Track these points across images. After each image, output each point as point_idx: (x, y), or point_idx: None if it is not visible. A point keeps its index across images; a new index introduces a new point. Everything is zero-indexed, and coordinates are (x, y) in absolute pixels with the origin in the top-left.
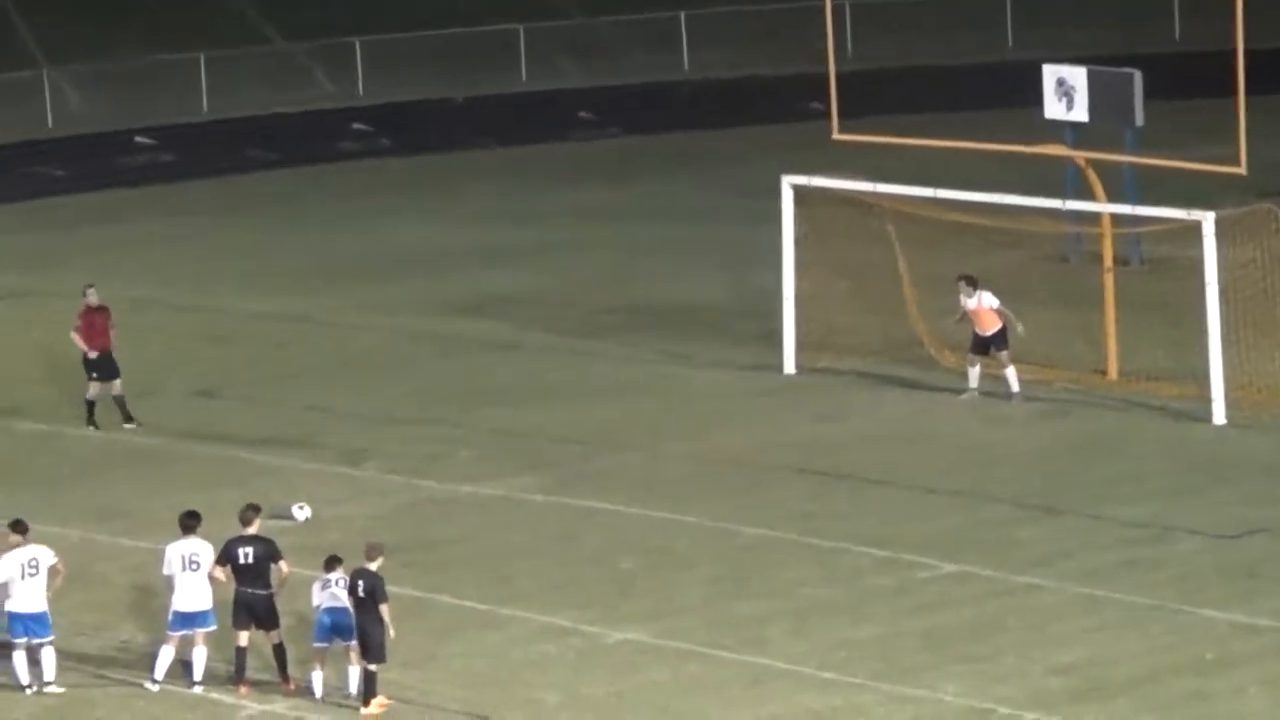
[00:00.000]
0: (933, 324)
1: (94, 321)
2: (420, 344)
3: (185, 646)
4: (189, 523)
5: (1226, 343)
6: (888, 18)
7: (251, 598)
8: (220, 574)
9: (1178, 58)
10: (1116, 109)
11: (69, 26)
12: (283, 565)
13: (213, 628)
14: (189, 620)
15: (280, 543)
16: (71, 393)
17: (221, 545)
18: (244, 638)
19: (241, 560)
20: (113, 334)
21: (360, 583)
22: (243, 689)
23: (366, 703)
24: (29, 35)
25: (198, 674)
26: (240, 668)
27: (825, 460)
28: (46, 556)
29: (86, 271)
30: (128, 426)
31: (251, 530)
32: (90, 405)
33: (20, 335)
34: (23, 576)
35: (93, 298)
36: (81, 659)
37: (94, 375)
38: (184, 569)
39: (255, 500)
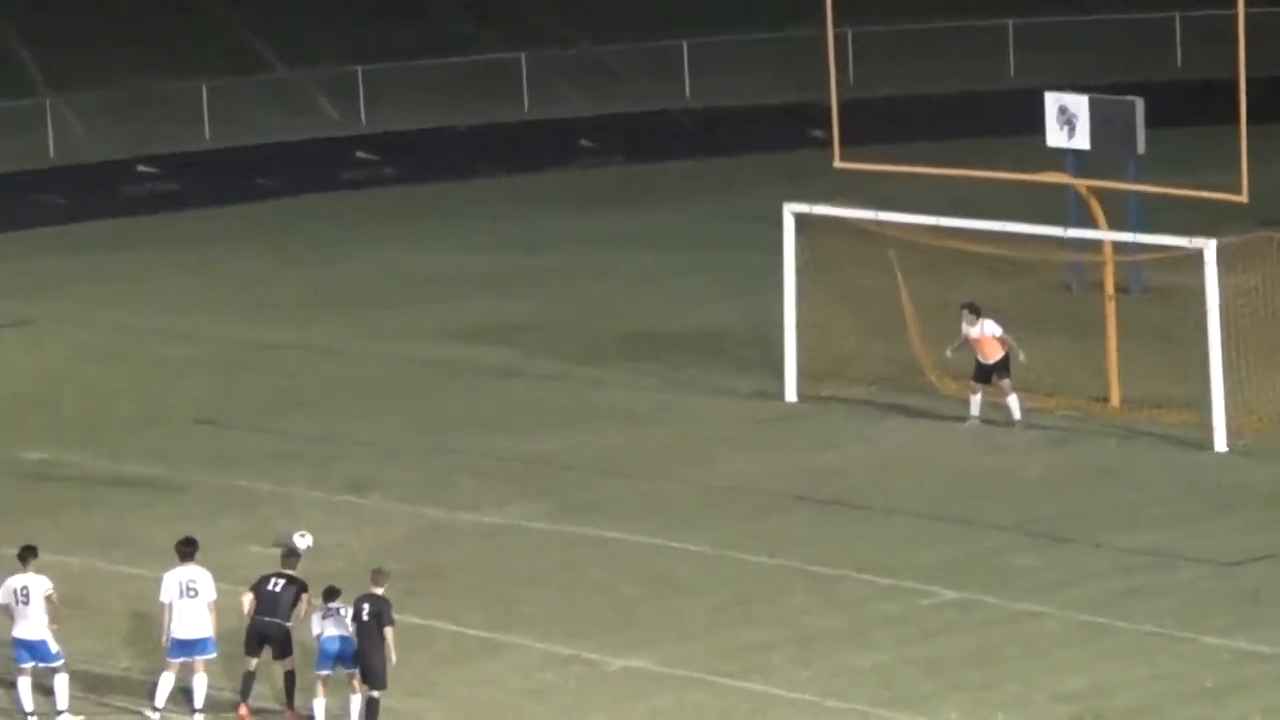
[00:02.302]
0: (935, 352)
1: None
2: (425, 371)
3: (186, 674)
4: (186, 550)
5: (1228, 370)
6: (889, 46)
7: (267, 626)
8: (248, 603)
9: (1179, 85)
10: (1118, 136)
11: (72, 55)
12: (303, 604)
13: (212, 655)
14: (188, 648)
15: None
16: (74, 420)
17: (256, 578)
18: (253, 664)
19: (270, 589)
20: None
21: (365, 606)
22: (243, 711)
23: None
24: (32, 63)
25: (198, 701)
26: (246, 690)
27: (828, 488)
28: (39, 585)
29: (90, 299)
30: None
31: (291, 571)
32: None
33: (24, 362)
34: (16, 603)
35: None
36: (84, 687)
37: None
38: (181, 596)
39: (254, 527)
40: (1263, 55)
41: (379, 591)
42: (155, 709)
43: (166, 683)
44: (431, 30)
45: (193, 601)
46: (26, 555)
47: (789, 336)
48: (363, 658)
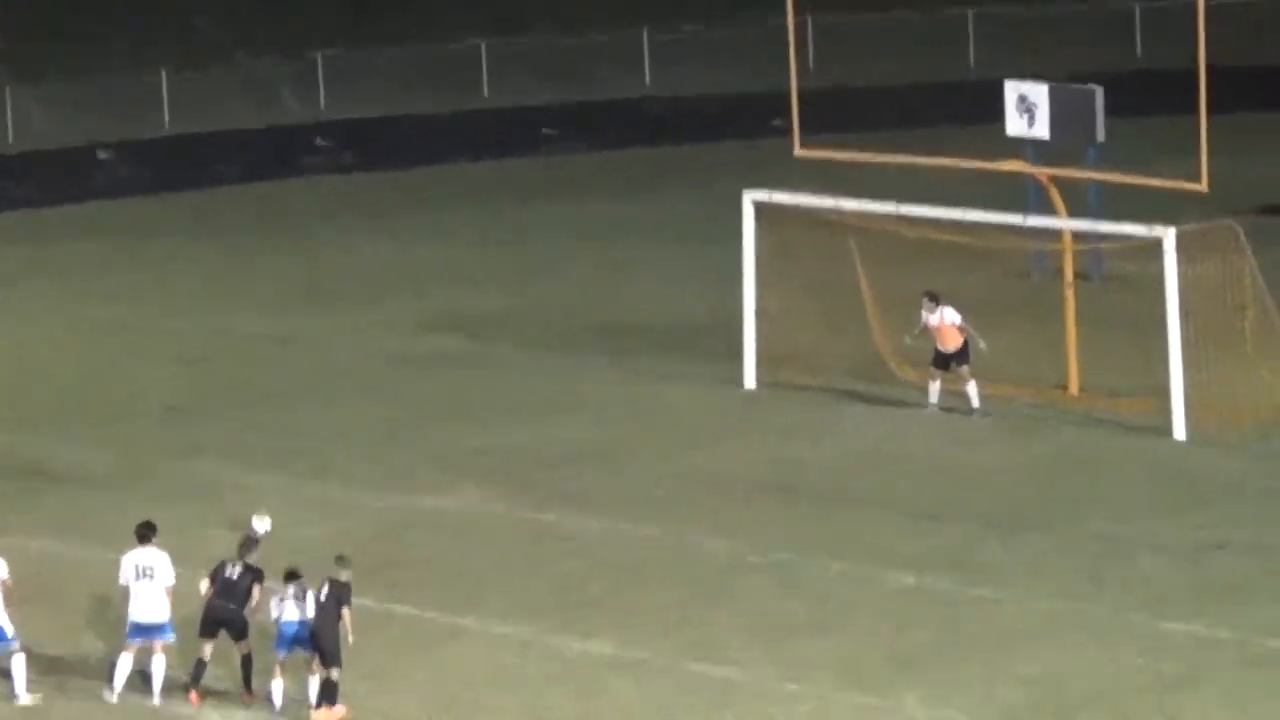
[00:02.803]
0: (895, 340)
1: None
2: (390, 361)
3: (144, 657)
4: (144, 533)
5: (1188, 359)
6: (850, 36)
7: (224, 611)
8: (205, 587)
9: (1140, 75)
10: (1078, 126)
11: (32, 44)
12: (257, 591)
13: (170, 638)
14: (145, 631)
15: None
16: (37, 407)
17: (212, 563)
18: (208, 650)
19: (227, 575)
20: None
21: (325, 588)
22: (193, 696)
23: (318, 707)
24: None
25: (156, 684)
26: (197, 676)
27: (789, 476)
28: None
29: (56, 288)
30: None
31: (250, 558)
32: None
33: None
34: None
35: None
36: (42, 669)
37: None
38: (138, 578)
39: (215, 513)
40: (1223, 45)
41: (341, 577)
42: (113, 691)
43: (124, 665)
44: (391, 17)
45: (150, 584)
46: None
47: (749, 325)
48: (319, 639)
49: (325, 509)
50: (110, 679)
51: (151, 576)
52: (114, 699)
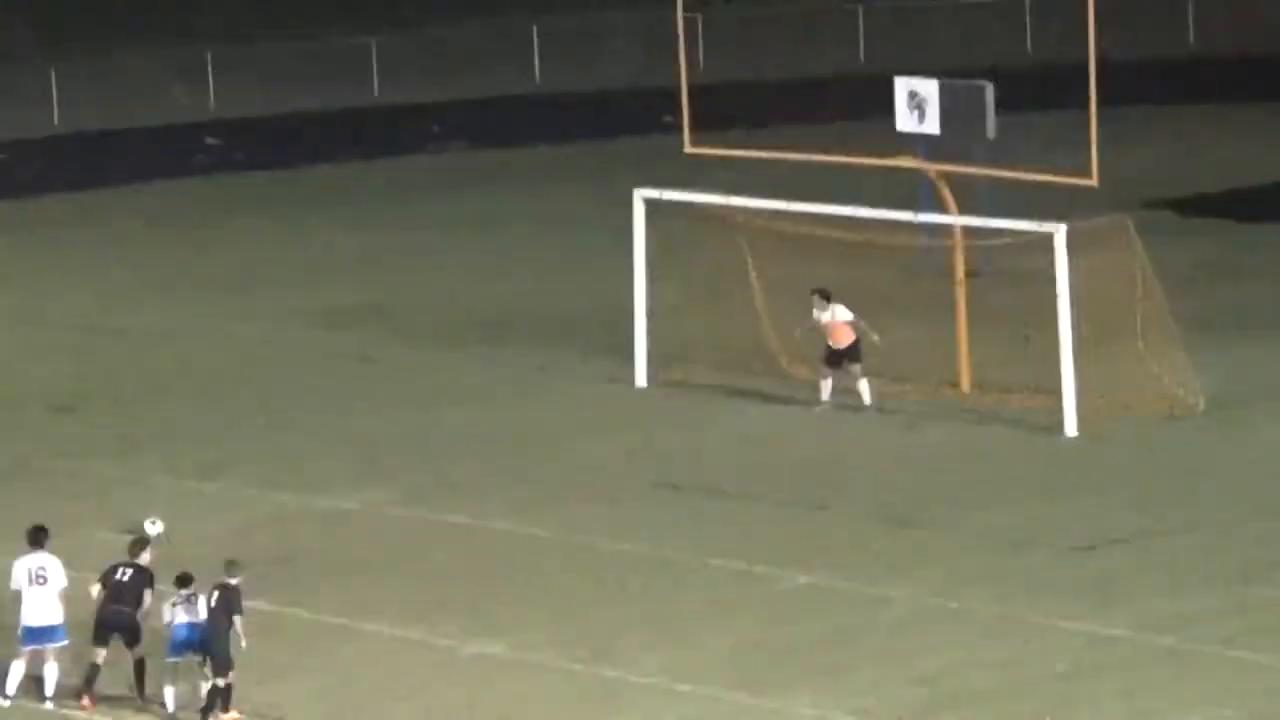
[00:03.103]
0: (786, 337)
1: None
2: (278, 355)
3: (37, 662)
4: (37, 536)
5: (1078, 354)
6: (740, 30)
7: (117, 615)
8: (96, 591)
9: (1030, 69)
10: (968, 121)
11: None
12: (148, 595)
13: (64, 643)
14: (39, 635)
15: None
16: None
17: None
18: (101, 654)
19: (118, 578)
20: None
21: (215, 594)
22: (86, 701)
23: (205, 716)
24: None
25: (49, 689)
26: (90, 680)
27: (679, 473)
28: None
29: None
30: None
31: (140, 561)
32: None
33: None
34: None
35: None
36: None
37: None
38: (30, 583)
39: (106, 513)
40: (1113, 38)
41: (232, 581)
42: (5, 696)
43: (17, 671)
44: (282, 13)
45: (43, 589)
46: None
47: (639, 322)
48: (211, 644)
49: (215, 507)
50: (2, 684)
51: (45, 581)
52: (6, 704)
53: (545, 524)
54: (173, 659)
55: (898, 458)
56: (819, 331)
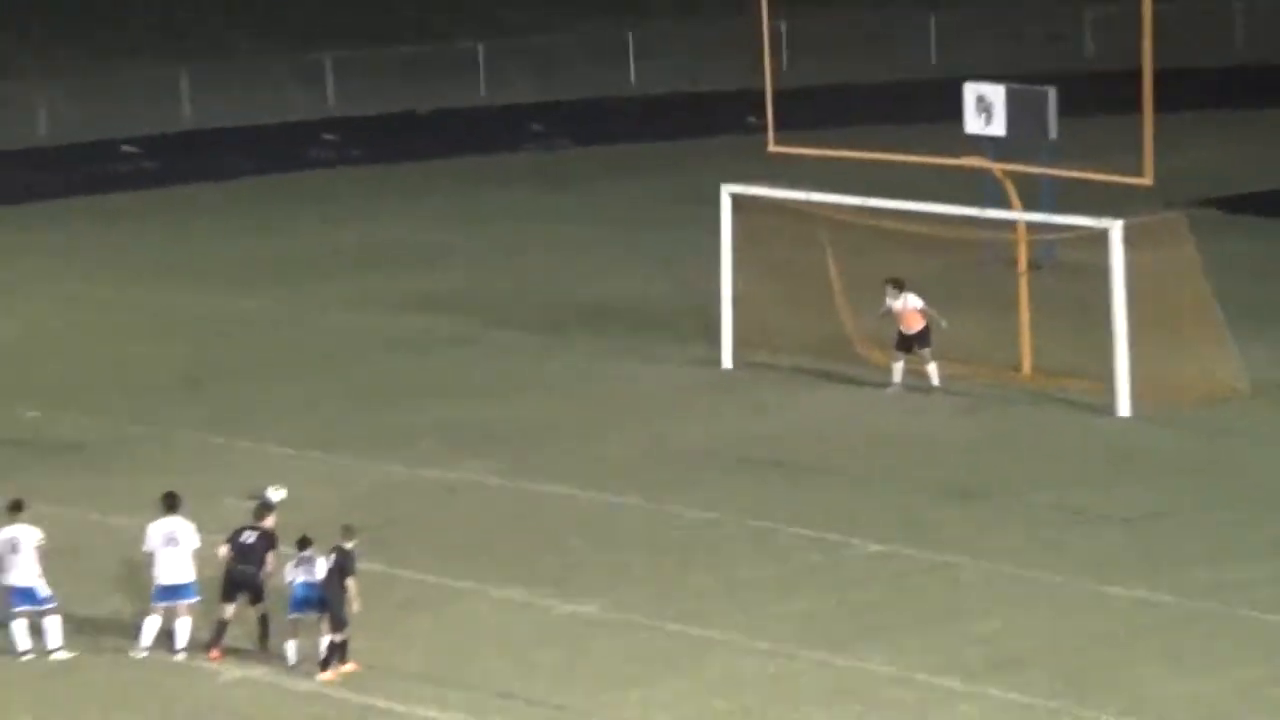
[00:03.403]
0: (861, 323)
1: None
2: (389, 338)
3: (169, 617)
4: (169, 502)
5: (1131, 342)
6: (821, 38)
7: (242, 575)
8: (224, 552)
9: (1089, 76)
10: (1032, 124)
11: (59, 43)
12: (271, 557)
13: (195, 599)
14: (170, 593)
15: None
16: (64, 382)
17: (231, 530)
18: (229, 611)
19: (243, 540)
20: None
21: (333, 557)
22: (215, 654)
23: (324, 668)
24: (21, 50)
25: (181, 642)
26: (218, 635)
27: (761, 448)
28: (30, 536)
29: (75, 270)
30: None
31: (265, 524)
32: None
33: (14, 329)
34: (8, 553)
35: None
36: (74, 628)
37: None
38: (164, 545)
39: (232, 481)
40: (1167, 47)
41: (347, 545)
42: (141, 649)
43: (152, 625)
44: (393, 19)
45: (175, 550)
46: (15, 508)
47: (725, 308)
48: (327, 603)
49: (329, 477)
50: (138, 637)
51: (177, 543)
52: (142, 655)
53: (636, 493)
54: (293, 615)
55: (963, 436)
56: (891, 317)
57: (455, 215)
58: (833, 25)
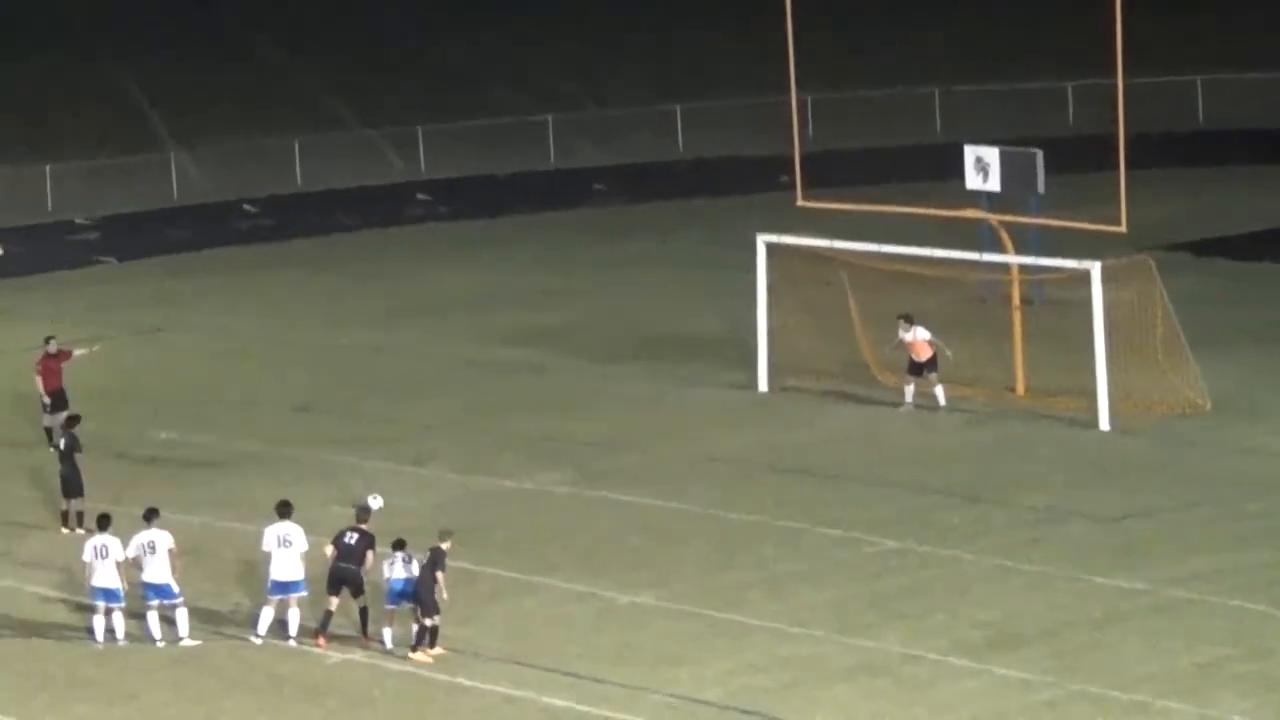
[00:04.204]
0: (877, 352)
1: (50, 366)
2: (472, 367)
3: (282, 608)
4: (283, 509)
5: (1110, 365)
6: (842, 110)
7: (345, 571)
8: (330, 551)
9: (1073, 140)
10: (1023, 180)
11: (191, 116)
12: (370, 555)
13: (304, 594)
14: (284, 588)
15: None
16: (193, 407)
17: (335, 532)
18: (333, 603)
19: (346, 541)
20: (64, 374)
21: (429, 554)
22: (321, 640)
23: (414, 650)
24: (159, 123)
25: (292, 630)
26: (324, 624)
27: (792, 459)
28: (164, 539)
29: (206, 312)
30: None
31: (364, 527)
32: (48, 431)
33: (155, 361)
34: (145, 553)
35: (52, 347)
36: (200, 619)
37: (48, 408)
38: (278, 546)
39: (337, 492)
40: (1139, 114)
41: (444, 546)
42: (258, 636)
43: (267, 615)
44: (477, 96)
45: (288, 551)
46: (151, 515)
47: (761, 339)
48: (420, 594)
49: (423, 487)
50: (255, 626)
51: (290, 544)
52: (259, 642)
53: (685, 499)
54: (390, 606)
55: (966, 447)
56: (903, 348)
57: (529, 263)
58: (852, 99)
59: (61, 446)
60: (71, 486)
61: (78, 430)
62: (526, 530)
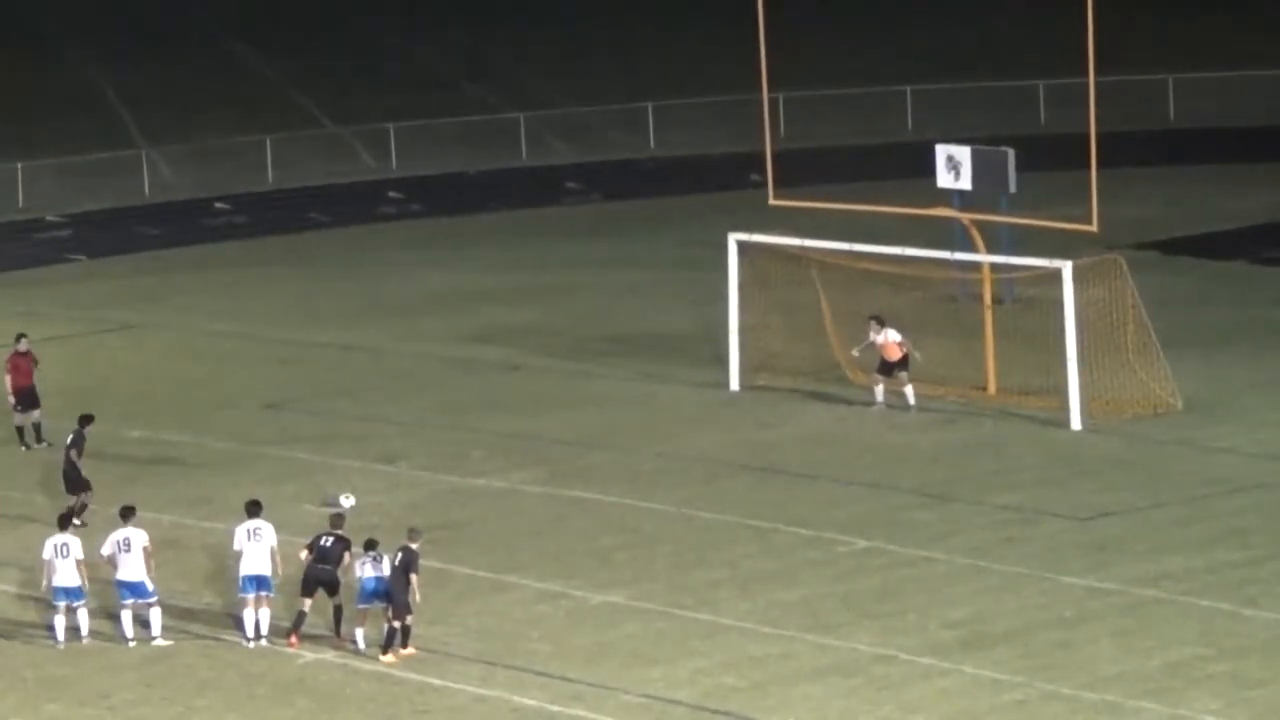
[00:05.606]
0: (848, 352)
1: (19, 364)
2: (443, 365)
3: (255, 605)
4: (252, 509)
5: (1081, 364)
6: (813, 108)
7: (321, 573)
8: (305, 555)
9: (1043, 138)
10: (994, 179)
11: (162, 114)
12: (346, 556)
13: (271, 593)
14: (255, 582)
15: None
16: (165, 405)
17: (307, 532)
18: (307, 604)
19: (323, 544)
20: (35, 374)
21: (399, 555)
22: (293, 640)
23: (385, 651)
24: (131, 122)
25: (264, 629)
26: (297, 624)
27: (763, 458)
28: (139, 537)
29: (177, 310)
30: (38, 446)
31: (339, 531)
32: (18, 430)
33: (127, 359)
34: (119, 551)
35: (22, 345)
36: (173, 617)
37: (18, 407)
38: (248, 540)
39: (309, 490)
40: (1110, 113)
41: (413, 546)
42: (248, 639)
43: (249, 617)
44: (449, 94)
45: (258, 544)
46: (127, 513)
47: (732, 338)
48: (392, 594)
49: (393, 485)
50: (242, 629)
51: (260, 539)
52: (252, 645)
53: (657, 499)
54: (362, 606)
55: (937, 447)
56: (874, 350)
57: (501, 261)
58: (823, 98)
59: (68, 442)
60: (74, 484)
61: (88, 431)
62: (498, 529)
